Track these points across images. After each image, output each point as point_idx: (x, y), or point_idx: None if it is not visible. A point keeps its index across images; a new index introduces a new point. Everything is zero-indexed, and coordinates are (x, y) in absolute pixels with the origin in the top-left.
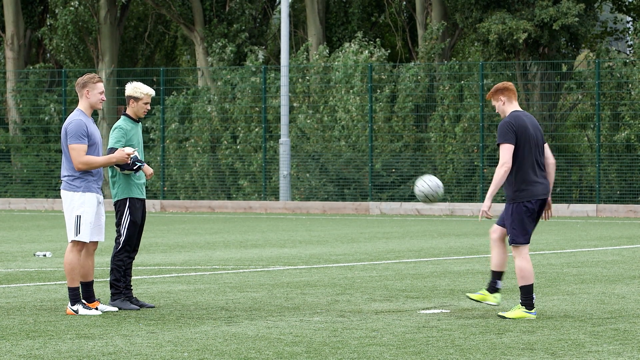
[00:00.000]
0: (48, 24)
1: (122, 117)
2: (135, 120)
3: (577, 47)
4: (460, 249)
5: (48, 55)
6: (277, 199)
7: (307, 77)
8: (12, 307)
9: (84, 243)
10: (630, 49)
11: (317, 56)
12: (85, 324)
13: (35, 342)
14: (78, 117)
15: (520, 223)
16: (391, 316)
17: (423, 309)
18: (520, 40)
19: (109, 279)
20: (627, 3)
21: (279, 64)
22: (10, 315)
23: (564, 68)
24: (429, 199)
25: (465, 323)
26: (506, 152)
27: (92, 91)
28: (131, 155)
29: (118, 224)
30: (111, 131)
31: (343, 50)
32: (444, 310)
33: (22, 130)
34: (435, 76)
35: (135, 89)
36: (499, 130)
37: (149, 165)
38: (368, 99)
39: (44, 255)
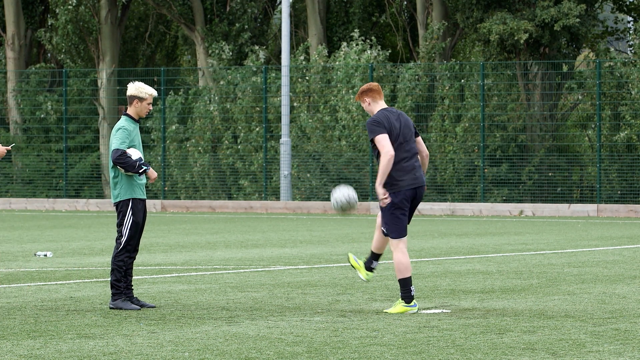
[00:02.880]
0: (49, 24)
1: (124, 117)
2: (136, 120)
3: (577, 47)
4: (461, 248)
5: (49, 55)
6: (277, 198)
7: (307, 77)
8: (13, 307)
9: None
10: (630, 48)
11: (316, 56)
12: (86, 324)
13: (36, 342)
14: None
15: (392, 218)
16: (392, 316)
17: (424, 309)
18: (521, 41)
19: (109, 279)
20: (627, 3)
21: (280, 63)
22: (11, 315)
23: (565, 68)
24: (343, 209)
25: (466, 323)
26: (384, 141)
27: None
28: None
29: (120, 224)
30: (114, 131)
31: (343, 50)
32: (444, 310)
33: (23, 130)
34: (436, 76)
35: (140, 89)
36: (367, 128)
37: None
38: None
39: (45, 255)
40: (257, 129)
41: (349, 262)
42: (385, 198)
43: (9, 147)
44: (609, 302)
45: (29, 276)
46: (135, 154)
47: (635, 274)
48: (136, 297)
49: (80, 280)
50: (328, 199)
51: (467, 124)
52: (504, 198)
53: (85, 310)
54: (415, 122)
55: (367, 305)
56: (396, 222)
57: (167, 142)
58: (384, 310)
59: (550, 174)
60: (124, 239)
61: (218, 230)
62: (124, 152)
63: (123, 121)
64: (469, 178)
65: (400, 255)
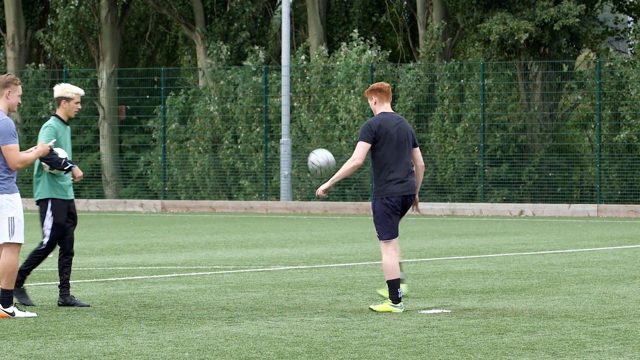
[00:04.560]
0: (49, 24)
1: (52, 117)
2: (65, 121)
3: (577, 47)
4: (461, 249)
5: (49, 55)
6: (278, 199)
7: (308, 77)
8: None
9: (19, 244)
10: (631, 49)
11: (317, 56)
12: (86, 324)
13: (36, 342)
14: (3, 116)
15: (383, 219)
16: (392, 316)
17: (424, 309)
18: (522, 41)
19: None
20: (627, 3)
21: (280, 63)
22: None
23: (565, 68)
24: (321, 171)
25: (466, 323)
26: (361, 149)
27: (13, 92)
28: (51, 145)
29: (42, 225)
30: (41, 130)
31: (343, 50)
32: (444, 311)
33: (23, 130)
34: (436, 76)
35: (66, 89)
36: (361, 128)
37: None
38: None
39: None
40: (258, 129)
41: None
42: (322, 192)
43: (51, 143)
44: (609, 302)
45: (29, 276)
46: (62, 153)
47: (635, 274)
48: (72, 296)
49: (80, 281)
50: (329, 200)
51: (467, 124)
52: (504, 198)
53: (86, 310)
54: (415, 122)
55: (368, 306)
56: (387, 223)
57: (168, 142)
58: (370, 306)
59: (550, 174)
60: (46, 240)
61: (218, 230)
62: (51, 149)
63: (51, 121)
64: (469, 178)
65: (388, 257)
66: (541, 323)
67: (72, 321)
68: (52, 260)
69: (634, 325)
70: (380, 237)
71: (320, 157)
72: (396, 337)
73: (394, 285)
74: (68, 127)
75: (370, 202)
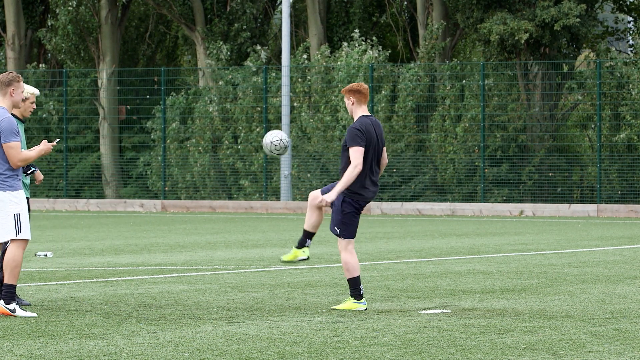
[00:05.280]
0: (49, 24)
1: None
2: (22, 120)
3: (578, 47)
4: (461, 249)
5: (49, 55)
6: (278, 199)
7: (309, 77)
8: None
9: (26, 240)
10: (631, 49)
11: (318, 56)
12: (86, 324)
13: (36, 342)
14: (7, 114)
15: (351, 219)
16: (392, 316)
17: (424, 309)
18: (522, 41)
19: (111, 279)
20: (627, 3)
21: (280, 63)
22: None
23: (565, 68)
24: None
25: (467, 323)
26: (358, 154)
27: (17, 90)
28: (54, 145)
29: None
30: None
31: (344, 50)
32: (445, 311)
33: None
34: (436, 76)
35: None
36: (349, 134)
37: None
38: (369, 98)
39: (45, 256)
40: (258, 129)
41: (285, 262)
42: (328, 204)
43: (55, 143)
44: (609, 302)
45: (30, 276)
46: None
47: (635, 274)
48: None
49: (81, 281)
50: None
51: (467, 124)
52: (504, 198)
53: (86, 310)
54: (415, 122)
55: (368, 306)
56: (352, 224)
57: (168, 142)
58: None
59: (550, 174)
60: None
61: (218, 230)
62: None
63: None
64: (469, 178)
65: (349, 255)
66: (541, 323)
67: (73, 321)
68: (51, 260)
69: (634, 325)
70: (344, 236)
71: (278, 136)
72: (396, 337)
73: (356, 282)
74: (23, 124)
75: (337, 199)
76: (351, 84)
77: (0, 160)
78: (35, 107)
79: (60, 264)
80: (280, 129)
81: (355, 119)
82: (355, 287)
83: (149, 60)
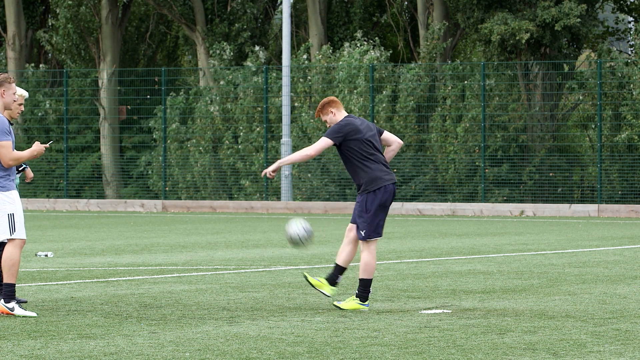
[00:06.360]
0: (49, 24)
1: None
2: (10, 122)
3: (578, 48)
4: (462, 249)
5: (50, 55)
6: (278, 199)
7: (309, 77)
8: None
9: (22, 239)
10: (631, 49)
11: (320, 56)
12: (87, 324)
13: (36, 342)
14: None
15: (374, 216)
16: (393, 316)
17: (424, 309)
18: (522, 41)
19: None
20: (628, 3)
21: (281, 64)
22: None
23: (566, 68)
24: (301, 242)
25: (467, 323)
26: (321, 143)
27: (8, 91)
28: (47, 146)
29: None
30: None
31: (346, 50)
32: (445, 311)
33: (24, 130)
34: (437, 76)
35: None
36: (331, 127)
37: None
38: (369, 99)
39: (46, 256)
40: (258, 129)
41: (309, 282)
42: (271, 172)
43: (48, 145)
44: (609, 302)
45: (30, 276)
46: None
47: (636, 274)
48: None
49: (81, 281)
50: (329, 199)
51: (468, 124)
52: (505, 198)
53: (86, 310)
54: (416, 122)
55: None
56: (377, 222)
57: (168, 142)
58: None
59: (551, 174)
60: None
61: (219, 230)
62: None
63: None
64: (469, 178)
65: (370, 256)
66: (542, 323)
67: (73, 321)
68: (52, 260)
69: (634, 325)
70: (367, 236)
71: (300, 228)
72: (397, 337)
73: (367, 284)
74: (12, 126)
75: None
76: (320, 103)
77: None
78: (23, 109)
79: (60, 264)
80: (281, 129)
81: None
82: (365, 289)
83: (150, 60)
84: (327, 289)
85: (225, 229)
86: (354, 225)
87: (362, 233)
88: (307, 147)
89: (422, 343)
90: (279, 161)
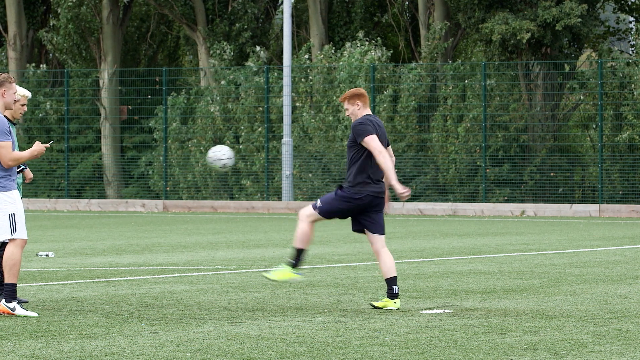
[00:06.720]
0: (50, 24)
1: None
2: (12, 122)
3: (579, 47)
4: (463, 249)
5: (50, 55)
6: (279, 199)
7: (310, 77)
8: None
9: (24, 239)
10: (632, 49)
11: (321, 56)
12: (88, 324)
13: (37, 342)
14: None
15: (334, 202)
16: (394, 316)
17: (425, 309)
18: (523, 41)
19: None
20: (629, 3)
21: (282, 64)
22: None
23: (567, 68)
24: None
25: (468, 323)
26: (374, 141)
27: (9, 91)
28: (48, 147)
29: None
30: None
31: (347, 50)
32: (446, 311)
33: (25, 130)
34: (438, 76)
35: None
36: (356, 130)
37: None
38: (370, 99)
39: (47, 256)
40: (259, 129)
41: (376, 307)
42: (406, 192)
43: (48, 145)
44: (610, 302)
45: (31, 276)
46: None
47: (637, 274)
48: None
49: (82, 281)
50: None
51: (469, 124)
52: (506, 198)
53: (87, 310)
54: (417, 122)
55: (369, 306)
56: (336, 206)
57: (169, 142)
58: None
59: (552, 174)
60: None
61: (220, 230)
62: None
63: None
64: (470, 178)
65: (307, 226)
66: (543, 323)
67: (74, 321)
68: (53, 260)
69: (635, 325)
70: (316, 207)
71: (222, 153)
72: (398, 337)
73: (300, 253)
74: (15, 126)
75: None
76: (351, 90)
77: None
78: (26, 109)
79: (61, 264)
80: (282, 129)
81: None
82: (297, 256)
83: (151, 60)
84: (392, 304)
85: (226, 229)
86: (373, 235)
87: (317, 202)
88: (378, 154)
89: (423, 343)
90: (393, 181)
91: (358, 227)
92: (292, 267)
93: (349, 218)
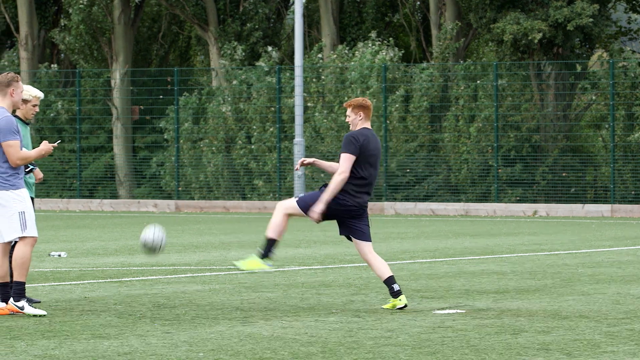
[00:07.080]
0: (62, 24)
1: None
2: (25, 122)
3: (591, 47)
4: (475, 249)
5: (62, 55)
6: None
7: (322, 77)
8: None
9: (34, 237)
10: None
11: (334, 56)
12: (100, 324)
13: (50, 342)
14: (6, 113)
15: (316, 198)
16: (406, 316)
17: (438, 309)
18: (535, 41)
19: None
20: None
21: (293, 64)
22: (25, 315)
23: (578, 68)
24: (152, 247)
25: (481, 323)
26: (347, 161)
27: (17, 90)
28: (55, 146)
29: None
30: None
31: (359, 50)
32: (459, 311)
33: (36, 131)
34: (450, 76)
35: (24, 91)
36: (345, 140)
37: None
38: (382, 99)
39: (59, 256)
40: (271, 129)
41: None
42: (316, 215)
43: (56, 144)
44: (623, 302)
45: (43, 276)
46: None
47: None
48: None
49: (95, 281)
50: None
51: (481, 124)
52: (518, 198)
53: (100, 310)
54: (429, 123)
55: (382, 306)
56: (310, 199)
57: (181, 142)
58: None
59: (564, 174)
60: None
61: (232, 230)
62: None
63: None
64: (482, 178)
65: (282, 219)
66: (555, 323)
67: (87, 321)
68: (65, 260)
69: None
70: (300, 204)
71: (154, 236)
72: (410, 337)
73: (272, 243)
74: (28, 126)
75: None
76: (358, 99)
77: (0, 159)
78: (38, 109)
79: (74, 264)
80: (294, 129)
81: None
82: (268, 248)
83: (162, 60)
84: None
85: (238, 229)
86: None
87: (300, 195)
88: (340, 173)
89: (435, 343)
90: (323, 200)
91: (345, 232)
92: (262, 258)
93: (335, 222)
